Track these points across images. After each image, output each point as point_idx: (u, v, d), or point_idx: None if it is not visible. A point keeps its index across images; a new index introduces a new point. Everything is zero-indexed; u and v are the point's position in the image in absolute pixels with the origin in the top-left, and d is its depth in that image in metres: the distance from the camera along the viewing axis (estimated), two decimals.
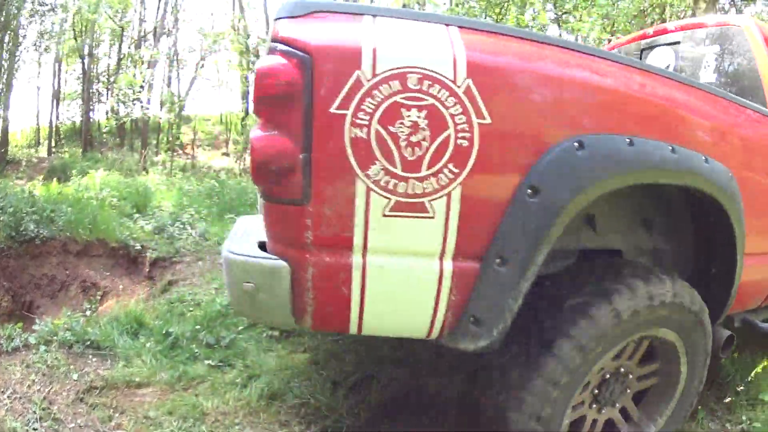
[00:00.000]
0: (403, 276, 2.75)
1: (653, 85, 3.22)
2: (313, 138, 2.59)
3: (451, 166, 2.65)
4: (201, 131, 30.40)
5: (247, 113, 29.96)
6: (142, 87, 25.78)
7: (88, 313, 7.75)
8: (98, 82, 29.50)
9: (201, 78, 29.77)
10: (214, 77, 29.63)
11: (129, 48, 30.66)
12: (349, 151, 2.59)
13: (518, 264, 2.79)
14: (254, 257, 2.79)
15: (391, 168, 2.61)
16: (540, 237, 2.79)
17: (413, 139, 2.61)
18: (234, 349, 5.80)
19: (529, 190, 2.75)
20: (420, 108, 2.60)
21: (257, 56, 27.37)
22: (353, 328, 2.86)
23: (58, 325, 5.91)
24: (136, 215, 11.63)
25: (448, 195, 2.67)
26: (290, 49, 2.60)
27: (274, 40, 2.69)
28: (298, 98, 2.57)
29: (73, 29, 28.03)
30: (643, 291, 3.21)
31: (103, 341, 5.76)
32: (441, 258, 2.77)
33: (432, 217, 2.68)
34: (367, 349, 5.69)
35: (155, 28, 29.69)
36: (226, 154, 27.11)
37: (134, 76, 26.19)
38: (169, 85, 28.38)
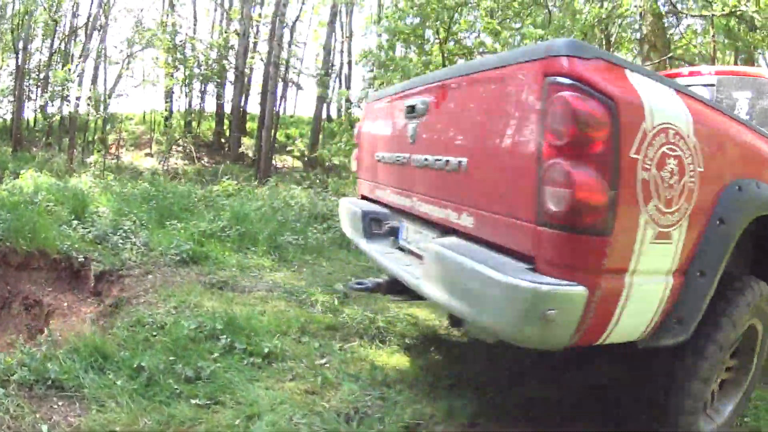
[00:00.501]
0: (648, 290, 3.38)
1: (762, 142, 4.24)
2: (619, 178, 3.08)
3: (684, 203, 3.40)
4: (124, 131, 29.70)
5: (171, 112, 29.54)
6: (71, 82, 25.07)
7: (40, 340, 7.11)
8: (30, 79, 28.68)
9: (126, 75, 29.28)
10: (138, 75, 28.95)
11: (60, 44, 29.95)
12: (638, 189, 3.16)
13: (711, 276, 3.61)
14: (556, 285, 3.05)
15: (659, 204, 3.26)
16: (723, 255, 3.66)
17: (671, 181, 3.31)
18: (216, 381, 5.27)
19: (718, 221, 3.62)
20: (674, 157, 3.33)
21: (183, 54, 26.83)
22: (599, 341, 3.37)
23: (10, 363, 5.22)
24: (74, 222, 10.87)
25: (680, 225, 3.42)
26: (598, 93, 3.05)
27: (564, 75, 3.11)
28: (610, 141, 3.05)
29: (11, 22, 27.15)
30: (756, 288, 4.17)
31: (66, 379, 5.09)
32: (669, 274, 3.48)
33: (671, 243, 3.40)
34: (366, 373, 5.61)
35: (87, 23, 28.88)
36: (150, 155, 26.40)
37: (69, 71, 25.32)
38: (94, 82, 27.46)
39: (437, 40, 16.01)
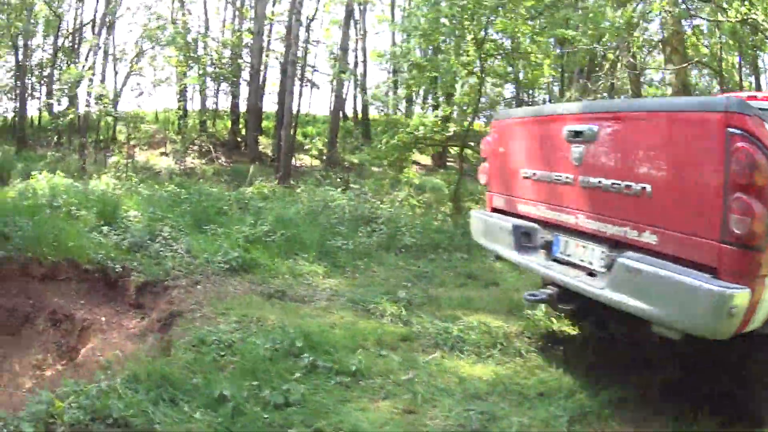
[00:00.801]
0: None
1: None
2: None
3: None
4: (137, 129, 28.67)
5: (185, 111, 29.22)
6: (86, 79, 24.49)
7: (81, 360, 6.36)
8: (32, 76, 28.13)
9: (135, 74, 28.46)
10: (148, 73, 28.55)
11: (65, 41, 29.27)
12: None
13: None
14: (737, 288, 3.87)
15: None
16: None
17: None
18: (308, 406, 4.89)
19: None
20: None
21: (195, 52, 26.32)
22: (745, 330, 4.04)
23: (61, 407, 4.37)
24: (105, 228, 9.99)
25: None
26: (762, 145, 3.91)
27: (741, 129, 3.96)
28: None
29: (7, 17, 26.27)
30: None
31: (131, 416, 4.36)
32: None
33: None
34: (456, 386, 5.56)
35: (93, 20, 28.42)
36: (165, 154, 25.78)
37: (82, 68, 24.73)
38: (103, 80, 26.98)
39: (473, 41, 15.37)
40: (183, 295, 7.77)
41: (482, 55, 15.47)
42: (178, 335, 6.47)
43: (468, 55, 15.88)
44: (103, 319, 8.18)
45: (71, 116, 23.51)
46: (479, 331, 6.89)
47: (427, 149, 24.44)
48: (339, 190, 15.59)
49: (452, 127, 17.08)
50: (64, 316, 8.26)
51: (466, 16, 14.90)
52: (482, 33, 15.19)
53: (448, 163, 27.50)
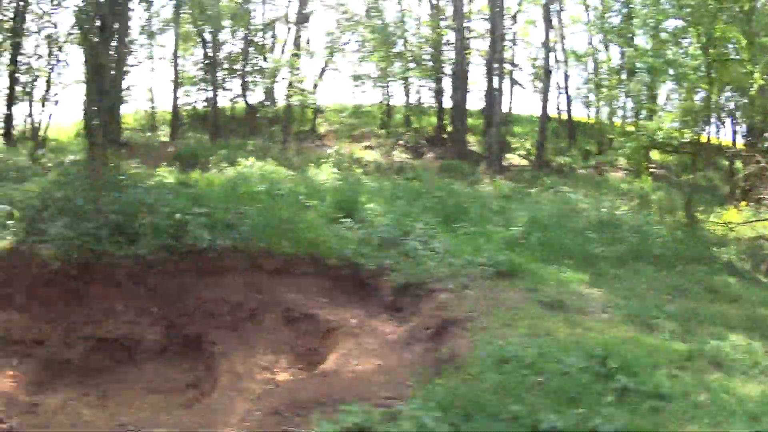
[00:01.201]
0: None
1: None
2: None
3: None
4: (336, 122, 29.14)
5: (389, 106, 29.35)
6: (277, 74, 25.28)
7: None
8: (221, 69, 28.53)
9: (332, 69, 29.05)
10: (347, 68, 28.68)
11: (255, 35, 29.72)
12: None
13: None
14: None
15: None
16: None
17: None
18: None
19: None
20: None
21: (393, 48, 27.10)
22: None
23: None
24: (345, 220, 9.33)
25: None
26: None
27: None
28: None
29: (192, 14, 27.15)
30: None
31: None
32: None
33: None
34: None
35: (285, 15, 28.95)
36: (370, 147, 25.78)
37: (281, 60, 25.40)
38: (300, 74, 27.34)
39: (699, 45, 14.81)
40: (453, 300, 7.12)
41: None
42: (461, 348, 5.81)
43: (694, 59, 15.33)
44: (353, 321, 7.57)
45: (276, 107, 24.33)
46: (742, 350, 6.43)
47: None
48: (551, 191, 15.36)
49: (687, 134, 16.26)
50: (302, 314, 7.84)
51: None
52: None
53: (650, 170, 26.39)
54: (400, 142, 25.76)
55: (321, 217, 9.44)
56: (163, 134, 26.35)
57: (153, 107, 28.74)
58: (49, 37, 22.78)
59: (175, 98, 27.28)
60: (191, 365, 7.81)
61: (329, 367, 6.77)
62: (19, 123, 23.47)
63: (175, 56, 27.38)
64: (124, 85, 23.46)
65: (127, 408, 7.30)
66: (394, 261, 8.21)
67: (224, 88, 28.19)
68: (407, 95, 29.63)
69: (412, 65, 28.01)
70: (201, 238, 7.69)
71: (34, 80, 23.42)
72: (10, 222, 9.04)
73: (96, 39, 11.24)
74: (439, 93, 28.39)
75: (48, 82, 22.87)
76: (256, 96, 27.42)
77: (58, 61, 23.09)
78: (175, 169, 14.69)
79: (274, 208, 9.01)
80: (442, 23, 28.65)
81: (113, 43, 13.14)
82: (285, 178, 12.11)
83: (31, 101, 23.34)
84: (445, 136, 27.06)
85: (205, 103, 27.93)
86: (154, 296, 7.71)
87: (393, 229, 9.29)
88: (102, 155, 10.41)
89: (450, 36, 27.78)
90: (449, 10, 28.66)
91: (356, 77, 28.54)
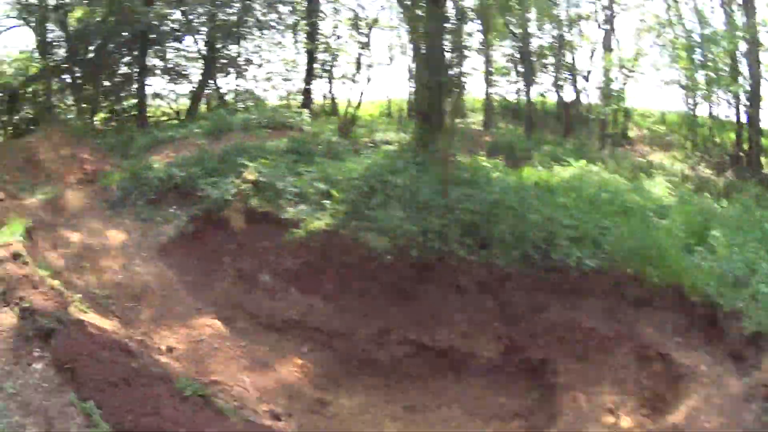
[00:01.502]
0: None
1: None
2: None
3: None
4: (645, 128, 29.01)
5: (695, 116, 28.46)
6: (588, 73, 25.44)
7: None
8: (533, 62, 28.73)
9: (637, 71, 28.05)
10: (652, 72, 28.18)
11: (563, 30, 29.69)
12: None
13: None
14: None
15: None
16: None
17: None
18: None
19: None
20: None
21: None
22: None
23: None
24: (699, 248, 8.65)
25: None
26: None
27: None
28: None
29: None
30: None
31: None
32: None
33: None
34: None
35: (595, 12, 28.73)
36: (675, 158, 25.25)
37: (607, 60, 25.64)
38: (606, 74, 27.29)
39: None
40: None
41: None
42: None
43: None
44: (702, 368, 7.02)
45: (593, 106, 24.62)
46: None
47: None
48: None
49: None
50: (656, 353, 7.22)
51: None
52: None
53: None
54: (705, 156, 25.20)
55: (675, 242, 8.76)
56: (474, 122, 26.73)
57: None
58: (355, 17, 24.62)
59: (488, 87, 27.99)
60: (525, 393, 7.50)
61: (679, 420, 6.31)
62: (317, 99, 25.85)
63: (486, 45, 27.69)
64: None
65: (440, 427, 7.04)
66: (745, 303, 7.77)
67: (536, 82, 28.44)
68: (710, 107, 28.59)
69: (712, 74, 26.63)
70: (571, 254, 7.39)
71: (334, 58, 25.67)
72: (326, 201, 8.92)
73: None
74: (737, 108, 26.99)
75: (358, 61, 24.35)
76: (567, 93, 27.70)
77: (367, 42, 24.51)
78: (500, 162, 14.40)
79: (634, 226, 8.46)
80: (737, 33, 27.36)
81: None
82: (624, 189, 11.36)
83: (331, 78, 26.01)
84: (741, 154, 25.67)
85: (516, 95, 28.70)
86: (500, 310, 7.45)
87: (740, 264, 8.77)
88: (447, 144, 10.22)
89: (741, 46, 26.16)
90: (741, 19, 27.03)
91: (665, 83, 27.81)
